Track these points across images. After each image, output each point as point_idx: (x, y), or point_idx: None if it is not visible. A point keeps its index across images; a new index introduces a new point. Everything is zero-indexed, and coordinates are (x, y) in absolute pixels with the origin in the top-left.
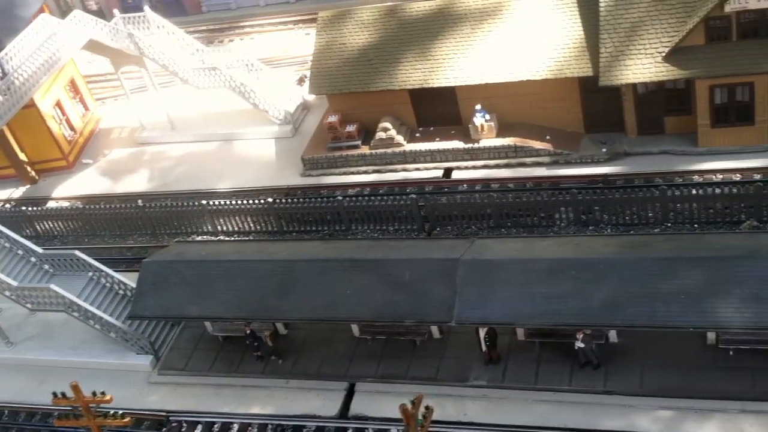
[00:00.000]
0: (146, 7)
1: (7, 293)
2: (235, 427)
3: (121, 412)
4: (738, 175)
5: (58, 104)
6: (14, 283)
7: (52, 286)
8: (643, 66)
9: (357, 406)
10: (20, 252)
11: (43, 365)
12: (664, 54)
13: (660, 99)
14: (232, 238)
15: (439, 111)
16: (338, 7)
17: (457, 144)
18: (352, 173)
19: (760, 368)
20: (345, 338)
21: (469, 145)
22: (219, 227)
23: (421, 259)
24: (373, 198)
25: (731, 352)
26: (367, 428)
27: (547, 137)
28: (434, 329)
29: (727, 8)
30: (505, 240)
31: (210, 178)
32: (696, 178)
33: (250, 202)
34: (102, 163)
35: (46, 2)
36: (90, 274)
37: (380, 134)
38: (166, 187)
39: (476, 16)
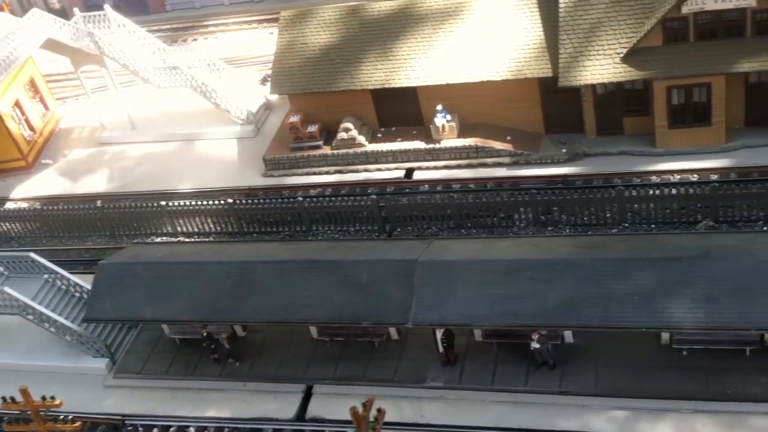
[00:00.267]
0: (106, 6)
1: None
2: (191, 430)
3: (71, 416)
4: (695, 175)
5: (17, 104)
6: None
7: (6, 289)
8: (602, 67)
9: (314, 409)
10: None
11: None
12: (622, 55)
13: (619, 100)
14: (192, 239)
15: (400, 111)
16: (301, 5)
17: (418, 144)
18: (314, 173)
19: (713, 368)
20: (303, 340)
21: (431, 146)
22: (179, 228)
23: (379, 261)
24: (333, 199)
25: (685, 352)
26: (323, 430)
27: (508, 138)
28: (392, 330)
29: (685, 9)
30: (463, 241)
31: (171, 179)
32: (654, 178)
33: (210, 202)
34: (62, 163)
35: (8, 1)
36: (45, 276)
37: (342, 134)
38: (126, 188)
39: (437, 17)
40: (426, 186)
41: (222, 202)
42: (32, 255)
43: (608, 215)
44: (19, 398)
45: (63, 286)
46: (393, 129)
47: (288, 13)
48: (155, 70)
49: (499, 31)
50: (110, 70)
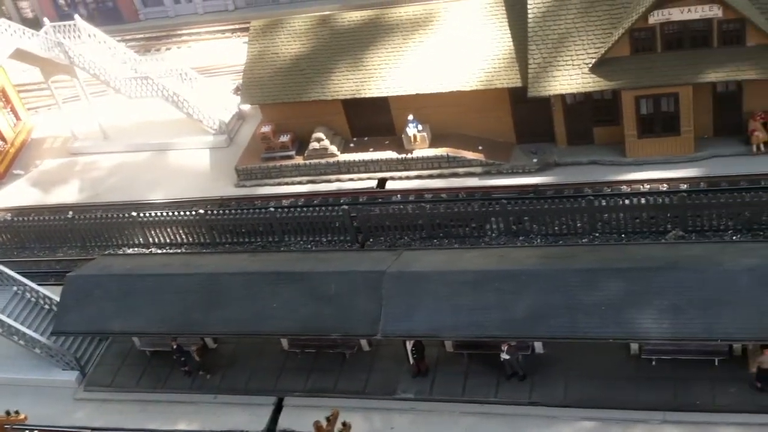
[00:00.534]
0: (77, 16)
1: None
2: None
3: (37, 430)
4: (665, 185)
5: None
6: None
7: None
8: (571, 77)
9: (285, 421)
10: None
11: None
12: (590, 65)
13: (588, 110)
14: (164, 251)
15: (372, 121)
16: (276, 15)
17: (390, 154)
18: (287, 184)
19: (682, 378)
20: (274, 352)
21: (403, 156)
22: (150, 239)
23: (348, 272)
24: (305, 209)
25: (654, 363)
26: None
27: (480, 147)
28: (363, 342)
29: (651, 20)
30: (432, 252)
31: (143, 189)
32: (624, 188)
33: (181, 213)
34: (33, 173)
35: None
36: (14, 288)
37: (314, 144)
38: (97, 198)
39: (408, 27)
40: (398, 196)
41: (193, 212)
42: (0, 267)
43: (579, 225)
44: None
45: (33, 299)
46: (365, 139)
47: (258, 23)
48: (126, 80)
49: (470, 42)
50: (81, 80)
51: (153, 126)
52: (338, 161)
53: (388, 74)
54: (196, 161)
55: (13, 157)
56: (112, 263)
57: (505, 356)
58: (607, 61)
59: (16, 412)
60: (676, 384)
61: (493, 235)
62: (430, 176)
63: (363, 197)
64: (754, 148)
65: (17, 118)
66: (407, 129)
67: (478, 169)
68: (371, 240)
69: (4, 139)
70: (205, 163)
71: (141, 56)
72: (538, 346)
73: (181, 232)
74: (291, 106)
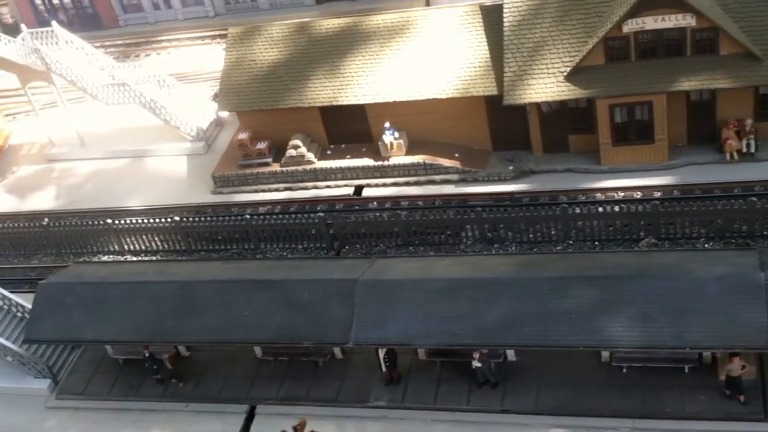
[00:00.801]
0: (54, 22)
1: None
2: None
3: None
4: (639, 192)
5: None
6: None
7: None
8: (546, 85)
9: (257, 429)
10: None
11: None
12: (565, 74)
13: (564, 118)
14: (140, 258)
15: (349, 128)
16: (257, 21)
17: (367, 162)
18: (264, 191)
19: (652, 386)
20: (247, 359)
21: (379, 163)
22: (126, 246)
23: (320, 280)
24: (281, 216)
25: (624, 370)
26: None
27: (456, 155)
28: (337, 350)
29: (625, 29)
30: (406, 259)
31: (120, 196)
32: (599, 195)
33: (157, 220)
34: (10, 180)
35: None
36: None
37: (291, 152)
38: (74, 205)
39: (385, 35)
40: (375, 203)
41: (169, 219)
42: None
43: (553, 233)
44: None
45: (4, 306)
46: (342, 146)
47: (235, 30)
48: (103, 87)
49: (446, 50)
50: (58, 86)
51: (130, 133)
52: (315, 168)
53: (365, 81)
54: (173, 168)
55: None
56: (85, 271)
57: (477, 364)
58: (582, 70)
59: None
60: (645, 391)
61: (469, 242)
62: (407, 183)
63: (340, 204)
64: (728, 156)
65: None
66: (384, 136)
67: (455, 177)
68: (347, 247)
69: None
70: (182, 169)
71: (120, 62)
72: (510, 354)
73: (156, 239)
74: (268, 113)
